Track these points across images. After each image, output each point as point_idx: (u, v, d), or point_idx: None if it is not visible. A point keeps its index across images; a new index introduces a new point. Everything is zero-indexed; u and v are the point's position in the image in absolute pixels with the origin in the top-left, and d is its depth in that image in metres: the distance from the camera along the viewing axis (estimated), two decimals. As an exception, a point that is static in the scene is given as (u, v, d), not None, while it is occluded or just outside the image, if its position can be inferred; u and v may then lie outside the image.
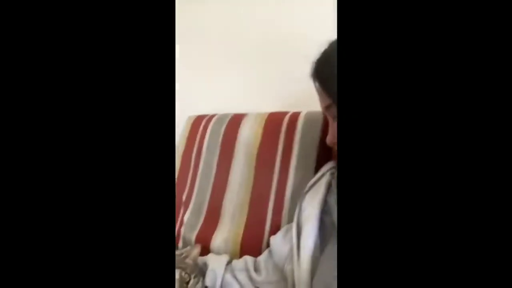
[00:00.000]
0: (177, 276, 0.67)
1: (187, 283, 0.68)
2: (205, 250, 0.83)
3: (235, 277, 0.72)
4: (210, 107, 1.10)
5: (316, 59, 0.61)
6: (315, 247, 0.62)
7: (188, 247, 0.79)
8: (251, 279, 0.71)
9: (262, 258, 0.73)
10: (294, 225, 0.67)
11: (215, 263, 0.75)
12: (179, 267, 0.69)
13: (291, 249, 0.65)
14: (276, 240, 0.72)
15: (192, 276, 0.69)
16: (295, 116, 0.89)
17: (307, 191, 0.70)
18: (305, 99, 0.98)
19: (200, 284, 0.71)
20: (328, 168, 0.73)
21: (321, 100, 0.64)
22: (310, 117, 0.87)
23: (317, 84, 0.62)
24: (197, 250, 0.75)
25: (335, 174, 0.70)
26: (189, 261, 0.71)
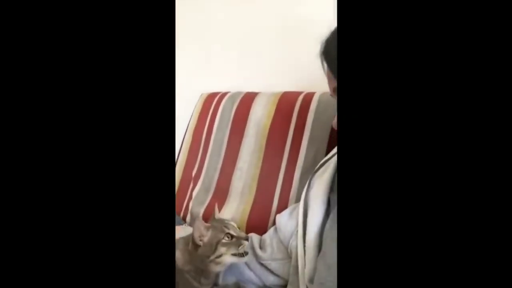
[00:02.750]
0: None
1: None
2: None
3: None
4: (226, 84, 1.09)
5: (325, 39, 0.59)
6: (322, 224, 0.62)
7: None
8: (256, 256, 0.71)
9: (267, 235, 0.73)
10: (301, 201, 0.66)
11: None
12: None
13: (297, 226, 0.65)
14: (283, 218, 0.71)
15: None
16: (309, 97, 0.87)
17: (317, 170, 0.69)
18: (321, 80, 0.97)
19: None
20: None
21: (330, 82, 0.63)
22: (324, 98, 0.86)
23: (325, 64, 0.61)
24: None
25: None
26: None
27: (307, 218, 0.64)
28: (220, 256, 0.64)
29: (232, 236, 0.65)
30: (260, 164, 0.87)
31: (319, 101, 0.85)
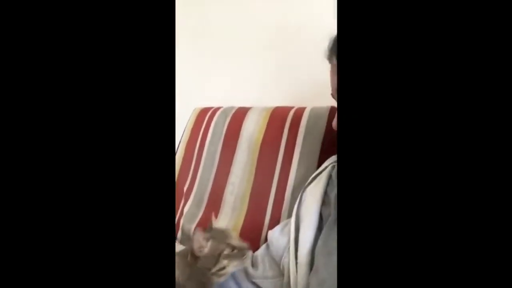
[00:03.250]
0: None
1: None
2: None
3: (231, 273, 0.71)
4: (218, 99, 1.10)
5: (334, 36, 0.60)
6: (314, 240, 0.62)
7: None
8: (247, 274, 0.70)
9: (259, 252, 0.73)
10: (293, 216, 0.66)
11: None
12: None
13: (289, 242, 0.65)
14: (274, 234, 0.71)
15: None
16: (300, 111, 0.88)
17: (309, 184, 0.69)
18: (311, 95, 0.98)
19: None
20: (330, 162, 0.73)
21: (334, 81, 0.62)
22: (315, 112, 0.87)
23: (334, 59, 0.61)
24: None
25: (336, 167, 0.69)
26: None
27: (299, 234, 0.63)
28: (223, 268, 0.60)
29: (233, 247, 0.62)
30: (252, 179, 0.87)
31: (310, 116, 0.86)
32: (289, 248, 0.64)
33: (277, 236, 0.70)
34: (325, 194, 0.66)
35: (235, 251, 0.62)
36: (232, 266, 0.61)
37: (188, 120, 1.08)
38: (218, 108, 1.03)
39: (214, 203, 0.89)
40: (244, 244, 0.64)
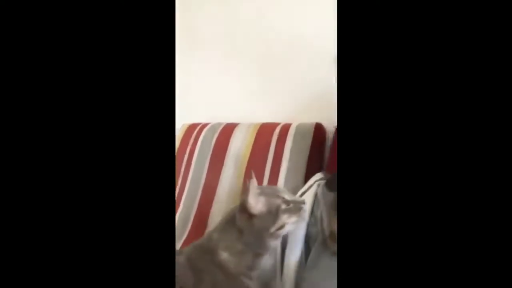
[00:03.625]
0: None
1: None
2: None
3: None
4: (207, 115, 1.09)
5: None
6: (300, 263, 0.60)
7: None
8: None
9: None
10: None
11: None
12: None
13: (275, 263, 0.63)
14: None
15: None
16: (286, 127, 0.88)
17: None
18: (298, 112, 0.98)
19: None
20: (315, 179, 0.72)
21: None
22: (301, 128, 0.86)
23: None
24: None
25: (322, 185, 0.68)
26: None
27: (284, 256, 0.62)
28: (282, 226, 0.53)
29: (288, 202, 0.55)
30: (238, 197, 0.86)
31: (296, 132, 0.85)
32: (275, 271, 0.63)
33: (265, 258, 0.68)
34: (312, 213, 0.65)
35: (291, 205, 0.55)
36: (291, 223, 0.54)
37: (177, 135, 1.07)
38: (206, 124, 1.03)
39: (200, 222, 0.88)
40: (298, 198, 0.58)
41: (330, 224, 0.60)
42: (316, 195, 0.67)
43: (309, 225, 0.64)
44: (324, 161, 0.84)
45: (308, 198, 0.67)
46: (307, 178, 0.78)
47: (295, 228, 0.56)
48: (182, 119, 1.11)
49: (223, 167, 0.91)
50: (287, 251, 0.62)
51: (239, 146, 0.91)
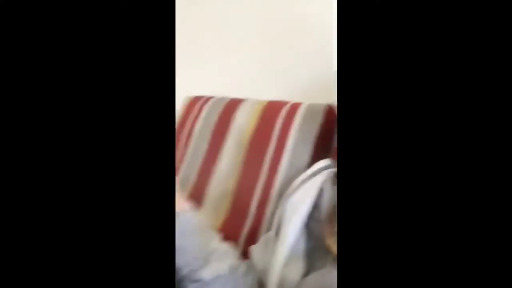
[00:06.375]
0: None
1: None
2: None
3: None
4: (212, 89, 1.04)
5: None
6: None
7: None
8: None
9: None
10: (273, 231, 0.60)
11: None
12: None
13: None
14: (256, 249, 0.64)
15: None
16: (295, 107, 0.82)
17: (294, 192, 0.63)
18: (310, 91, 0.93)
19: None
20: (323, 165, 0.66)
21: None
22: (311, 109, 0.81)
23: None
24: None
25: (333, 177, 0.63)
26: None
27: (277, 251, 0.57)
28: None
29: None
30: (237, 175, 0.81)
31: (305, 114, 0.80)
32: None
33: (260, 252, 0.63)
34: (315, 208, 0.60)
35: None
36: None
37: (179, 108, 1.03)
38: (209, 98, 0.98)
39: (196, 199, 0.84)
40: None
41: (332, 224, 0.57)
42: (321, 190, 0.62)
43: (311, 222, 0.59)
44: (332, 145, 0.79)
45: (313, 187, 0.62)
46: (313, 161, 0.73)
47: None
48: (185, 91, 1.06)
49: (224, 143, 0.87)
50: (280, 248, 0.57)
51: (242, 123, 0.86)
